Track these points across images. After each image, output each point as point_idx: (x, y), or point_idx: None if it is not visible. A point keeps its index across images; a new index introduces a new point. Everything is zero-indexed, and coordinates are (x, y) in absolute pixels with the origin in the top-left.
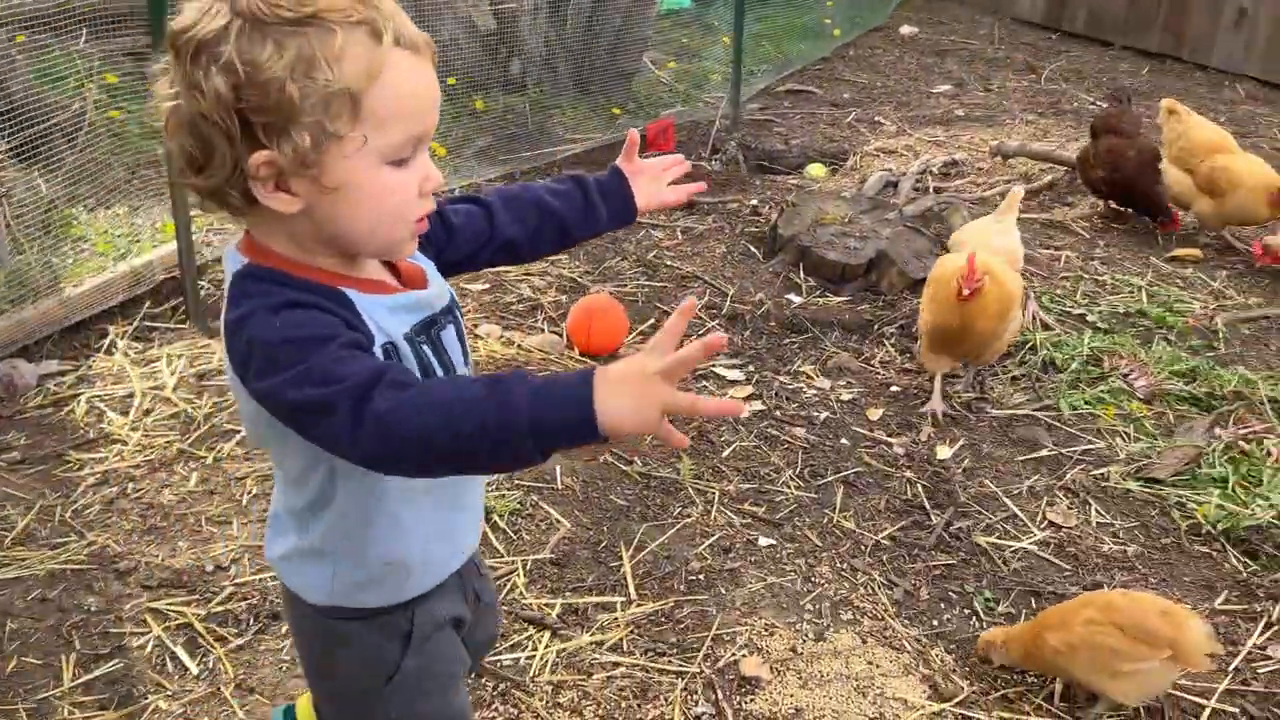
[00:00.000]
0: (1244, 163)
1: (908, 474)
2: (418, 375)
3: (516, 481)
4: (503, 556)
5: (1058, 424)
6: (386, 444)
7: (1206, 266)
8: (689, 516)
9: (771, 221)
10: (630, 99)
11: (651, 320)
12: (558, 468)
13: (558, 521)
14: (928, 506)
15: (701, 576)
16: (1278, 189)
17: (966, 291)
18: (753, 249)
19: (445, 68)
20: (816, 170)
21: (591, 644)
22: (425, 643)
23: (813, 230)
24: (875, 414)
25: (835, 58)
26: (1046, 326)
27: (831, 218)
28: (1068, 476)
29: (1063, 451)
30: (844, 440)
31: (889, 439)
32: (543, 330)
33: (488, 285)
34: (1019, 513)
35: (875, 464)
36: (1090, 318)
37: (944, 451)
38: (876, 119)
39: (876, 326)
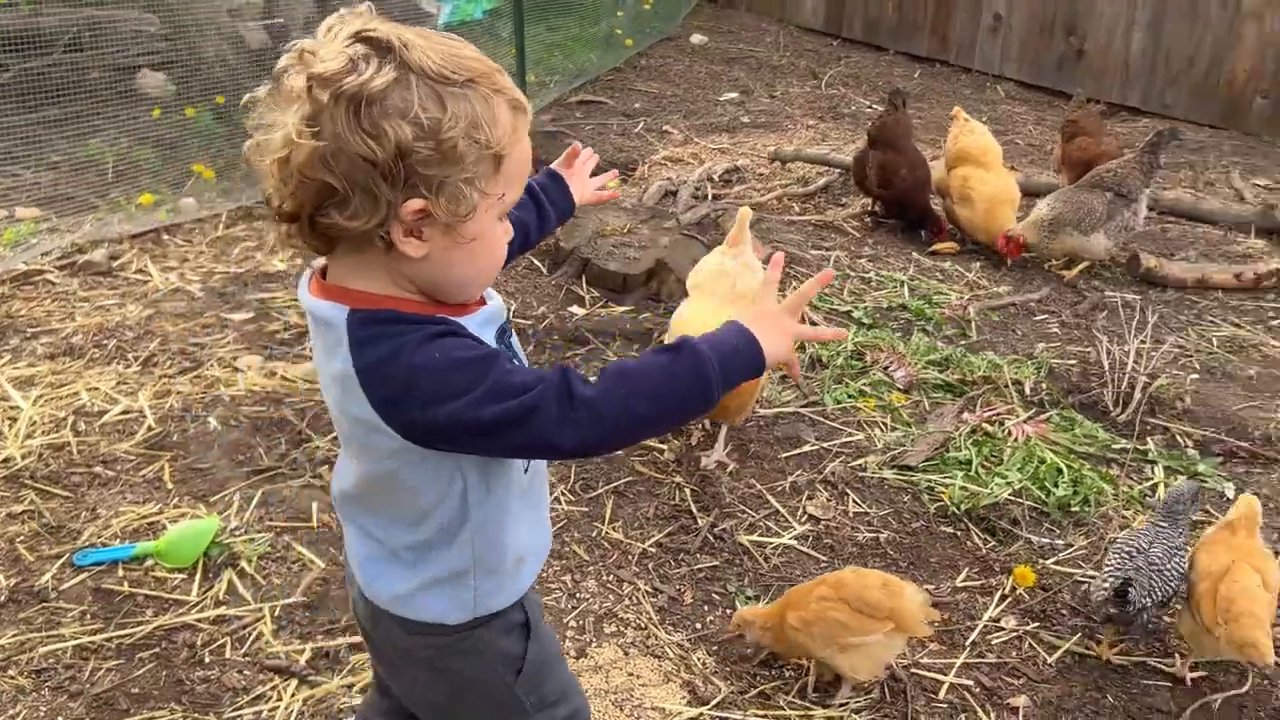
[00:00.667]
0: (989, 178)
1: (677, 479)
2: None
3: (268, 523)
4: (249, 604)
5: (821, 419)
6: (601, 426)
7: (962, 259)
8: None
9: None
10: None
11: None
12: (314, 504)
13: (311, 562)
14: (694, 510)
15: None
16: (1004, 235)
17: None
18: (536, 262)
19: (214, 86)
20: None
21: (342, 687)
22: (539, 627)
23: (594, 242)
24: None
25: (628, 67)
26: (814, 324)
27: (612, 229)
28: (828, 470)
29: (824, 446)
30: (631, 455)
31: (661, 445)
32: (309, 359)
33: (251, 314)
34: (781, 509)
35: (647, 471)
36: (856, 314)
37: (713, 456)
38: (665, 128)
39: (657, 334)
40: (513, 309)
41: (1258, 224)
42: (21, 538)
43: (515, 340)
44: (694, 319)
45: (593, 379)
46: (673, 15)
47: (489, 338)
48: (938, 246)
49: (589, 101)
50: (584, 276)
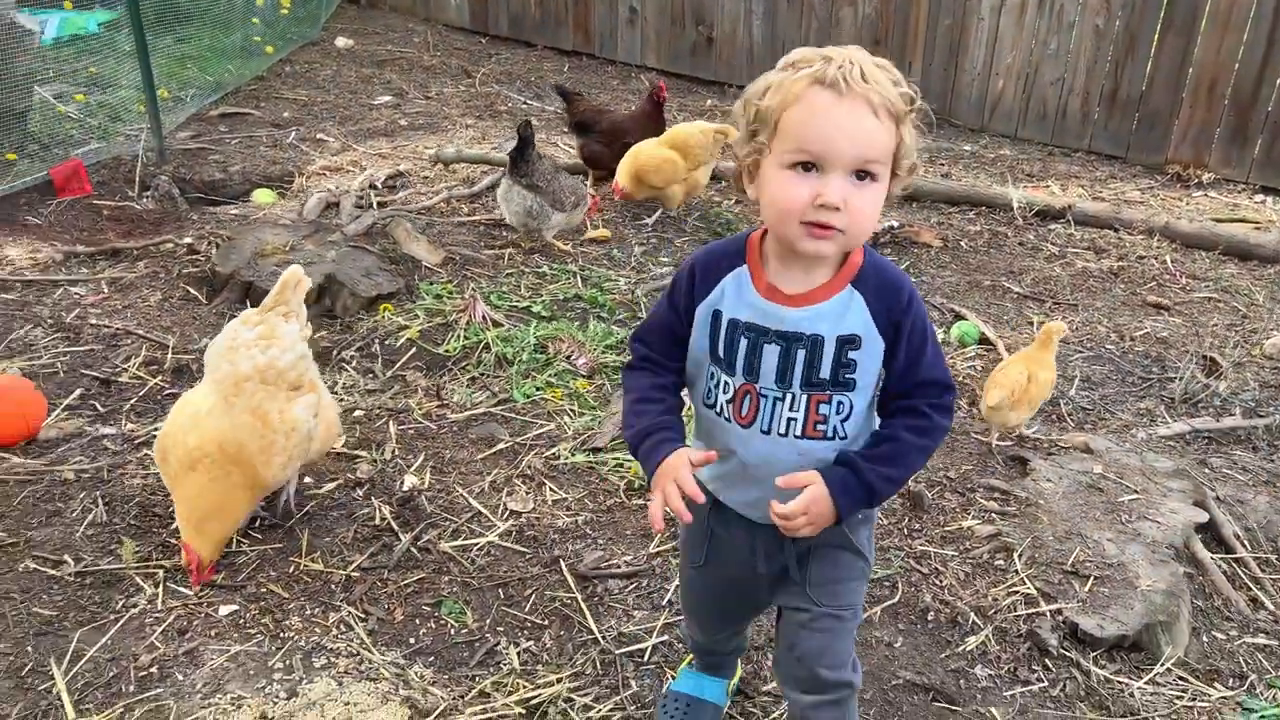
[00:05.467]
0: (640, 148)
1: (374, 498)
2: (703, 349)
3: None
4: None
5: (514, 415)
6: None
7: (626, 245)
8: (135, 606)
9: (210, 259)
10: (29, 140)
11: (79, 391)
12: None
13: None
14: (395, 527)
15: (155, 669)
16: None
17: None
18: (194, 292)
19: None
20: (264, 196)
21: None
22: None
23: (254, 263)
24: (339, 442)
25: (271, 75)
26: (497, 324)
27: (273, 248)
28: (524, 464)
29: (519, 441)
30: (307, 479)
31: (353, 464)
32: None
33: None
34: (483, 509)
35: (339, 495)
36: (535, 308)
37: (410, 480)
38: (320, 136)
39: (336, 351)
40: (172, 344)
41: None
42: None
43: (772, 354)
44: (174, 420)
45: None
46: (314, 19)
47: (741, 311)
48: (591, 234)
49: (232, 114)
50: (247, 301)
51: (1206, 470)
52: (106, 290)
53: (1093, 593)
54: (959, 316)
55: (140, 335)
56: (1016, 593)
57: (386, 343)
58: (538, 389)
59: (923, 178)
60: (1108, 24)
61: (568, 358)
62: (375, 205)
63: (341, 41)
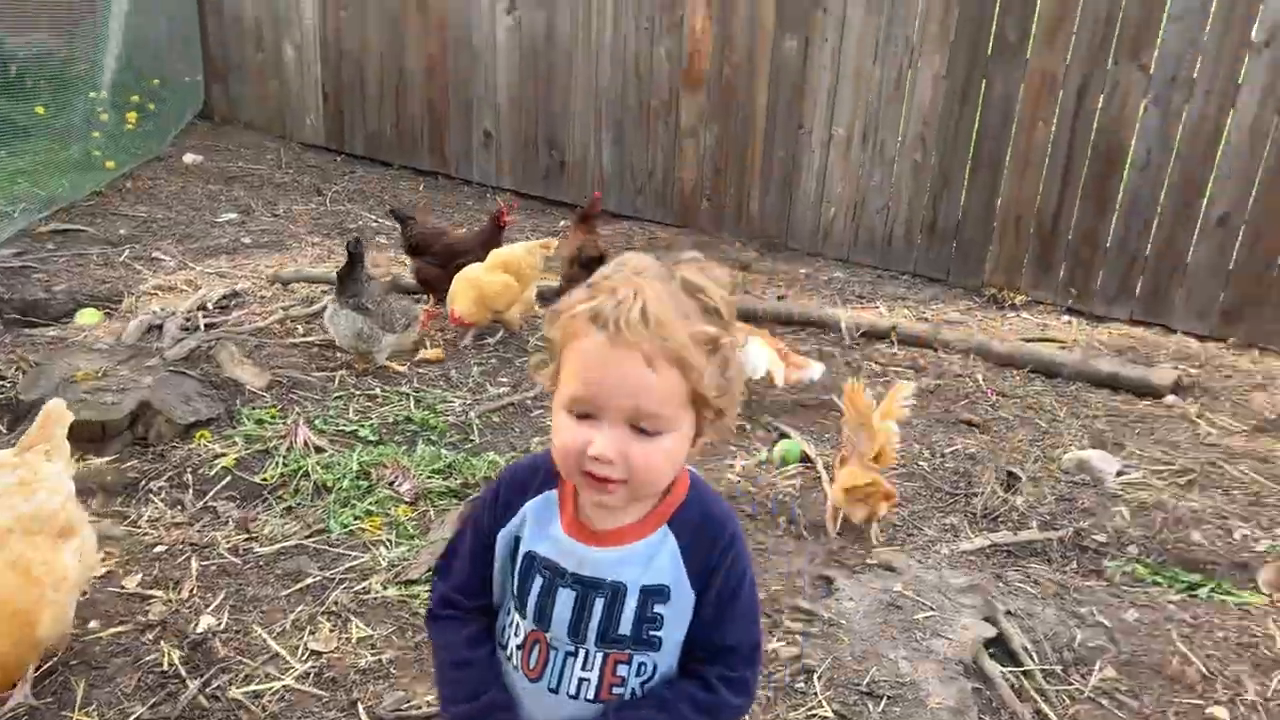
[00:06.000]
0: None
1: (164, 642)
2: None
3: None
4: None
5: (326, 547)
6: None
7: (464, 365)
8: None
9: (16, 386)
10: None
11: None
12: None
13: None
14: (184, 673)
15: None
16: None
17: None
18: None
19: None
20: (89, 316)
21: None
22: None
23: (62, 389)
24: (133, 581)
25: (111, 191)
26: (319, 449)
27: (84, 374)
28: (330, 599)
29: (328, 575)
30: (92, 622)
31: (146, 604)
32: None
33: None
34: (281, 651)
35: (125, 640)
36: (363, 433)
37: (206, 620)
38: (155, 255)
39: (143, 482)
40: None
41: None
42: None
43: (566, 599)
44: None
45: None
46: (162, 134)
47: (538, 545)
48: (424, 355)
49: (64, 230)
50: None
51: (1000, 584)
52: None
53: (885, 713)
54: (784, 434)
55: None
56: (815, 715)
57: (200, 472)
58: (356, 518)
59: (760, 298)
60: (924, 160)
61: (391, 483)
62: (203, 327)
63: (189, 157)
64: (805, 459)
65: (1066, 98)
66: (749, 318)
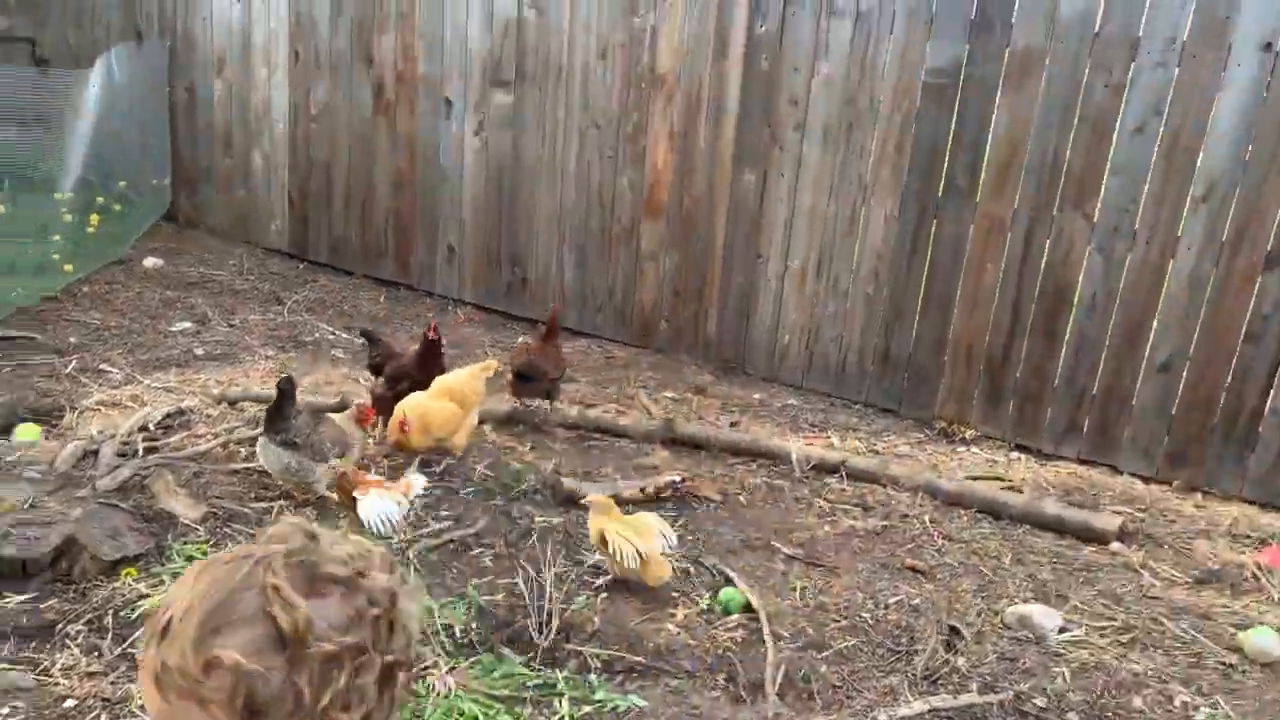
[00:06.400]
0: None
1: None
2: None
3: None
4: None
5: None
6: None
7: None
8: None
9: None
10: None
11: None
12: None
13: None
14: None
15: None
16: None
17: None
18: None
19: None
20: (28, 433)
21: None
22: None
23: None
24: None
25: (65, 296)
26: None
27: (9, 505)
28: None
29: None
30: None
31: None
32: None
33: None
34: None
35: None
36: None
37: None
38: (102, 366)
39: (61, 625)
40: None
41: (661, 435)
42: None
43: None
44: None
45: None
46: (124, 237)
47: None
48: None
49: (11, 337)
50: None
51: None
52: None
53: None
54: (728, 580)
55: None
56: None
57: (122, 614)
58: None
59: (714, 423)
60: (877, 293)
61: None
62: (141, 452)
63: (150, 261)
64: (748, 608)
65: (1014, 241)
66: (700, 445)
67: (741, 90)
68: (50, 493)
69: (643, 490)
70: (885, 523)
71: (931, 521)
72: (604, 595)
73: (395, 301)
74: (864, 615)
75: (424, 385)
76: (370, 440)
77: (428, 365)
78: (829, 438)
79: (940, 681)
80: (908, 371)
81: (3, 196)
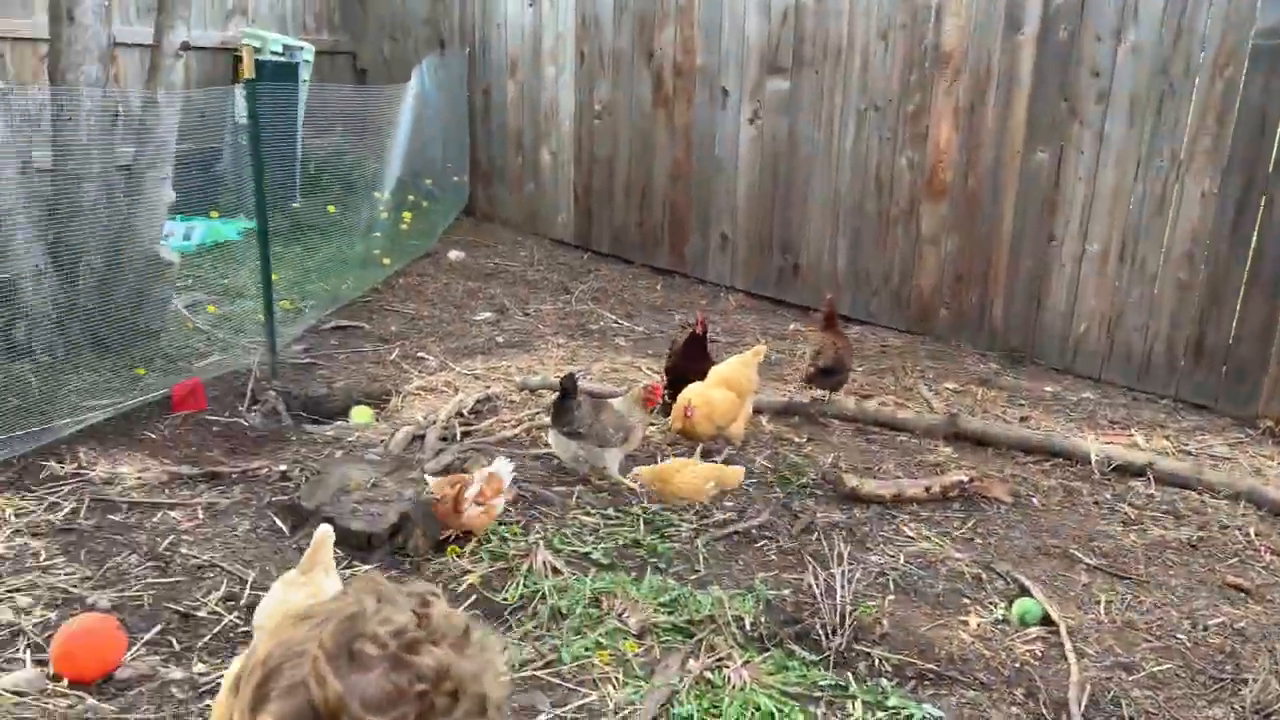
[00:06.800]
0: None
1: None
2: None
3: None
4: None
5: (558, 680)
6: None
7: None
8: None
9: (298, 490)
10: (158, 354)
11: (159, 626)
12: None
13: None
14: None
15: None
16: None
17: None
18: (279, 522)
19: None
20: (361, 415)
21: None
22: None
23: (337, 499)
24: None
25: (385, 288)
26: (556, 571)
27: (356, 484)
28: None
29: (559, 713)
30: None
31: None
32: (24, 663)
33: None
34: None
35: None
36: (595, 555)
37: None
38: (420, 354)
39: None
40: (250, 579)
41: (944, 430)
42: None
43: None
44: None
45: None
46: (431, 232)
47: None
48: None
49: (344, 327)
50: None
51: None
52: (201, 516)
53: None
54: (1024, 590)
55: (223, 568)
56: None
57: (449, 588)
58: (587, 650)
59: (1002, 417)
60: (1191, 277)
61: (619, 615)
62: (459, 437)
63: (454, 254)
64: (1047, 620)
65: None
66: (987, 442)
67: (1035, 64)
68: (388, 474)
69: (928, 489)
70: (1201, 533)
71: (1257, 534)
72: (890, 598)
73: (670, 289)
74: (1179, 636)
75: (697, 377)
76: (652, 425)
77: (694, 357)
78: (1132, 436)
79: (1273, 717)
80: (1226, 364)
81: (333, 199)
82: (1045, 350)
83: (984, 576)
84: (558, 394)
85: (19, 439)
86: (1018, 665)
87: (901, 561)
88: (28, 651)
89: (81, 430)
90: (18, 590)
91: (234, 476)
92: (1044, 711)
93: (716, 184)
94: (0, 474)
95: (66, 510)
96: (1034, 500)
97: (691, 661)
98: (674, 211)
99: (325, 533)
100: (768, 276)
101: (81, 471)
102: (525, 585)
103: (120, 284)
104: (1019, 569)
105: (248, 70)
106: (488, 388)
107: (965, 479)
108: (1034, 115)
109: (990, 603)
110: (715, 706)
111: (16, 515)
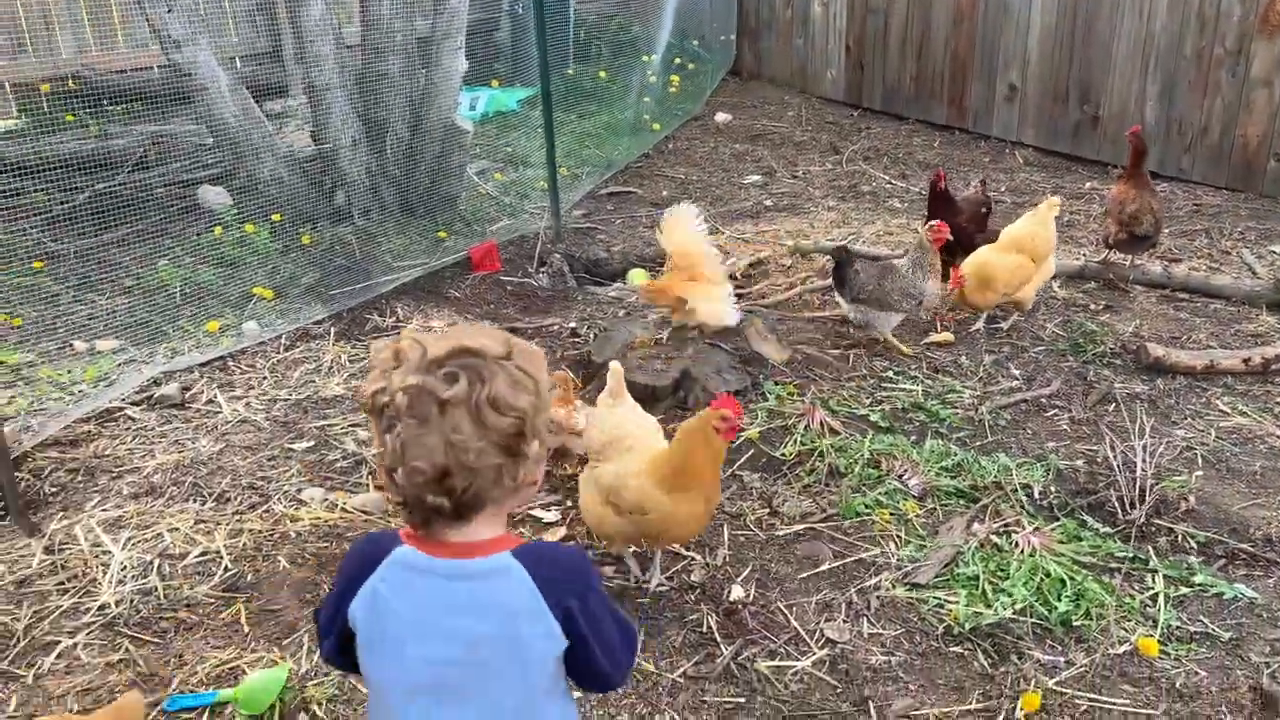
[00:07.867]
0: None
1: (704, 604)
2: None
3: None
4: None
5: (839, 534)
6: None
7: (974, 353)
8: None
9: (589, 345)
10: (457, 218)
11: None
12: None
13: None
14: (719, 638)
15: None
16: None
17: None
18: (572, 376)
19: (270, 204)
20: (637, 277)
21: None
22: None
23: (623, 355)
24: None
25: (655, 153)
26: (833, 431)
27: (641, 341)
28: (844, 591)
29: (841, 564)
30: (647, 573)
31: (688, 564)
32: (367, 488)
33: (312, 443)
34: (801, 631)
35: (674, 595)
36: (873, 418)
37: (736, 591)
38: None
39: None
40: None
41: (1269, 299)
42: (120, 687)
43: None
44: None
45: None
46: (698, 94)
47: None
48: (935, 338)
49: (618, 193)
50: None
51: None
52: None
53: None
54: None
55: None
56: None
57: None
58: (866, 507)
59: None
60: None
61: (900, 476)
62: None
63: (720, 117)
64: None
65: None
66: None
67: None
68: (670, 334)
69: (1246, 361)
70: None
71: None
72: (1199, 473)
73: (950, 145)
74: None
75: (964, 239)
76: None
77: (940, 213)
78: None
79: None
80: None
81: (604, 65)
82: None
83: None
84: (834, 267)
85: (346, 294)
86: None
87: (1212, 437)
88: (369, 477)
89: (395, 288)
90: (358, 425)
91: (529, 332)
92: None
93: (1005, 29)
94: (333, 325)
95: None
96: None
97: (976, 525)
98: (955, 60)
99: (618, 367)
100: (1061, 130)
101: (400, 324)
102: (802, 443)
103: (423, 152)
104: None
105: None
106: (759, 252)
107: None
108: None
109: None
110: (1002, 569)
111: (350, 361)
